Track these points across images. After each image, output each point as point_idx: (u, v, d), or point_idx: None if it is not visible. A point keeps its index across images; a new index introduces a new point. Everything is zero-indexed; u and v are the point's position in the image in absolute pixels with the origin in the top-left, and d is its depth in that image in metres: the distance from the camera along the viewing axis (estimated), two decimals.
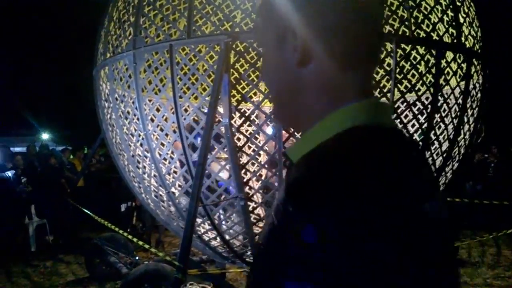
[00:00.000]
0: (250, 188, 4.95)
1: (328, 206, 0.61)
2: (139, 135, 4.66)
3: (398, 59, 4.19)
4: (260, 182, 5.33)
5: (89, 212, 6.90)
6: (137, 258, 6.22)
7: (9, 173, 7.63)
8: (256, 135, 7.73)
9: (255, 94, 7.29)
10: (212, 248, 4.85)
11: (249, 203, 4.53)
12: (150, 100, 5.23)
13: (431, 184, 0.74)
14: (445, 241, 0.69)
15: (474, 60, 4.67)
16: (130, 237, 5.94)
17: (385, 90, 4.72)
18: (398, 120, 4.74)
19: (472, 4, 4.92)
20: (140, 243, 5.63)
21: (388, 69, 4.21)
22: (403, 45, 4.31)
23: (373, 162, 0.66)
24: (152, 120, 4.61)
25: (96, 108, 5.56)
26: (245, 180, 4.35)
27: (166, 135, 4.56)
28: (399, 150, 0.73)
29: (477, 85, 4.87)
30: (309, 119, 0.78)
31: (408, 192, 0.66)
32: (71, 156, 11.08)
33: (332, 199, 0.61)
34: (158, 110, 4.53)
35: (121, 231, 6.06)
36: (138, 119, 4.52)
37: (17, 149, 14.69)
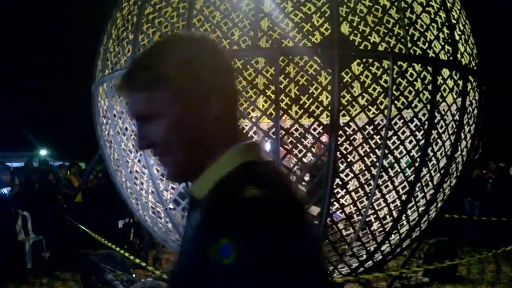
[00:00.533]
0: None
1: (239, 229, 0.78)
2: (137, 151, 4.66)
3: (395, 75, 4.22)
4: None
5: (86, 229, 6.85)
6: (134, 275, 6.15)
7: (5, 190, 7.58)
8: None
9: (253, 110, 7.30)
10: None
11: None
12: None
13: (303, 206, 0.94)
14: (322, 258, 0.95)
15: (470, 77, 4.71)
16: (127, 254, 5.89)
17: (382, 107, 4.75)
18: (396, 137, 4.76)
19: (467, 22, 4.98)
20: (137, 260, 5.59)
21: (385, 85, 4.24)
22: (399, 62, 4.34)
23: (267, 191, 0.84)
24: None
25: (95, 124, 5.56)
26: None
27: None
28: (283, 179, 0.95)
29: (473, 101, 4.89)
30: (210, 162, 0.95)
31: (298, 214, 0.87)
32: (68, 172, 11.05)
33: (242, 224, 0.79)
34: None
35: (117, 248, 6.01)
36: (136, 135, 4.52)
37: (15, 165, 14.64)
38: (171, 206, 4.81)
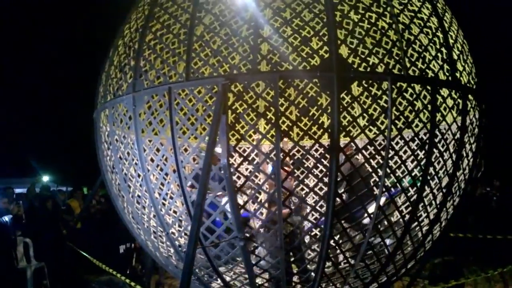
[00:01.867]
0: (250, 227, 4.90)
1: None
2: (139, 176, 4.66)
3: (395, 96, 4.24)
4: (260, 221, 5.28)
5: (87, 255, 6.81)
6: None
7: (6, 218, 7.58)
8: (257, 173, 7.72)
9: (254, 133, 7.33)
10: None
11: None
12: (150, 141, 5.26)
13: None
14: None
15: (469, 95, 4.73)
16: (128, 280, 5.83)
17: (383, 127, 4.76)
18: (397, 157, 4.73)
19: (465, 41, 5.03)
20: (138, 287, 5.53)
21: (386, 105, 4.25)
22: (399, 83, 4.36)
23: None
24: (152, 160, 4.63)
25: (96, 149, 5.59)
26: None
27: (166, 174, 4.56)
28: None
29: (474, 120, 4.90)
30: None
31: None
32: (70, 198, 11.03)
33: None
34: (158, 150, 4.55)
35: (119, 274, 5.96)
36: (137, 160, 4.54)
37: (18, 191, 14.65)
38: (172, 230, 4.79)
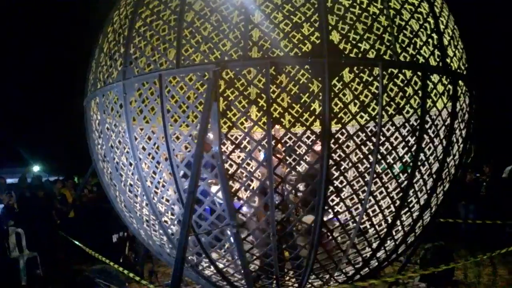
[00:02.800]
0: (243, 215, 4.91)
1: None
2: (130, 164, 4.64)
3: (386, 82, 4.24)
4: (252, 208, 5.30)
5: (79, 244, 6.81)
6: None
7: None
8: (249, 161, 7.73)
9: (246, 120, 7.32)
10: (205, 277, 4.78)
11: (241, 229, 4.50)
12: (141, 129, 5.23)
13: None
14: None
15: (460, 81, 4.74)
16: (121, 268, 5.84)
17: (374, 113, 4.76)
18: (388, 143, 4.76)
19: (456, 27, 5.03)
20: (131, 275, 5.54)
21: (377, 92, 4.25)
22: (390, 69, 4.35)
23: None
24: (143, 148, 4.60)
25: (87, 138, 5.55)
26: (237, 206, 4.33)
27: (158, 163, 4.54)
28: None
29: (464, 105, 4.93)
30: None
31: None
32: (63, 187, 10.98)
33: None
34: (149, 138, 4.53)
35: (112, 263, 5.97)
36: (129, 149, 4.52)
37: (10, 181, 14.57)
38: (165, 218, 4.79)
